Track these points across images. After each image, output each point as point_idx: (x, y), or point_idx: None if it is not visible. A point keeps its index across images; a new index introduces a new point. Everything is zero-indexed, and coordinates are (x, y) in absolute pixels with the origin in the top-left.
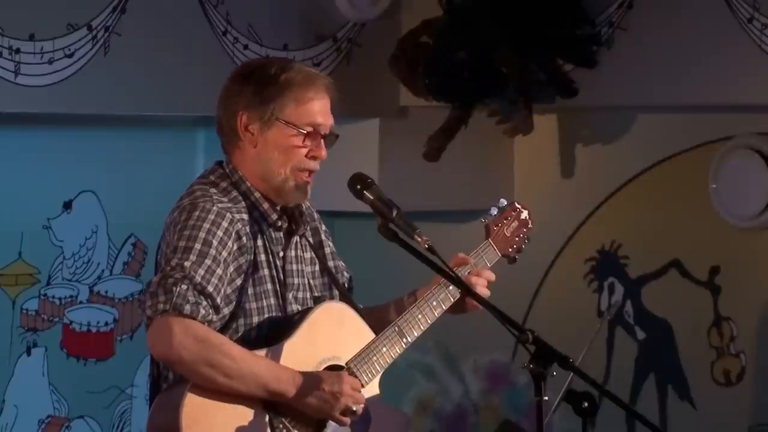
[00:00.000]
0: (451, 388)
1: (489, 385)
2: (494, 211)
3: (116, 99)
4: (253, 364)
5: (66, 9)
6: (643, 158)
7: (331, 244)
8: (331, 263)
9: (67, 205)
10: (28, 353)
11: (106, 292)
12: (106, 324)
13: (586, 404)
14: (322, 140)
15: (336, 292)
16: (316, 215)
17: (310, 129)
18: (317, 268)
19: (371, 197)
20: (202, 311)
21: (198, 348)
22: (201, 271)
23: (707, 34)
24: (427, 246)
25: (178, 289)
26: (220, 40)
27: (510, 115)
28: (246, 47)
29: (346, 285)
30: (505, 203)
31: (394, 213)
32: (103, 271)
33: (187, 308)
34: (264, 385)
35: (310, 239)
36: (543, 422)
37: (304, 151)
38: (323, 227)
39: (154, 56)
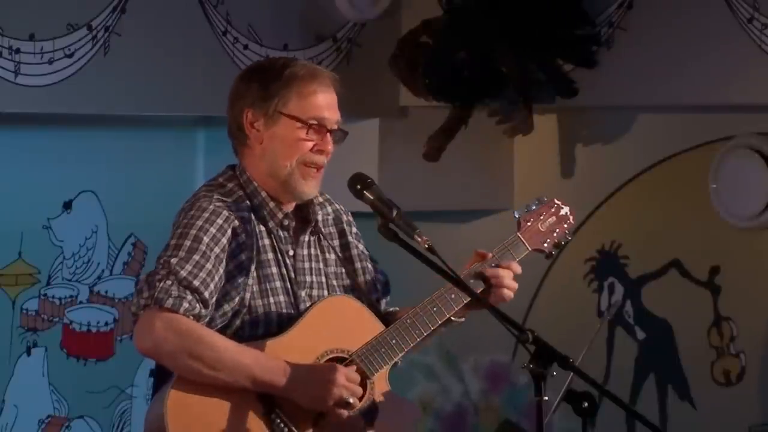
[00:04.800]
0: (451, 388)
1: (489, 385)
2: (533, 206)
3: (116, 99)
4: (238, 354)
5: (66, 9)
6: (643, 158)
7: (360, 246)
8: (358, 264)
9: (67, 205)
10: (28, 353)
11: (106, 292)
12: (106, 324)
13: (586, 404)
14: (328, 134)
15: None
16: (344, 217)
17: (314, 122)
18: (342, 270)
19: (371, 197)
20: (186, 305)
21: (179, 340)
22: (188, 267)
23: (707, 34)
24: (427, 246)
25: (162, 284)
26: (220, 40)
27: (510, 115)
28: (246, 47)
29: (380, 288)
30: (545, 199)
31: (394, 213)
32: (103, 271)
33: (169, 302)
34: (251, 375)
35: (333, 241)
36: (543, 422)
37: (309, 144)
38: (353, 229)
39: (154, 56)
